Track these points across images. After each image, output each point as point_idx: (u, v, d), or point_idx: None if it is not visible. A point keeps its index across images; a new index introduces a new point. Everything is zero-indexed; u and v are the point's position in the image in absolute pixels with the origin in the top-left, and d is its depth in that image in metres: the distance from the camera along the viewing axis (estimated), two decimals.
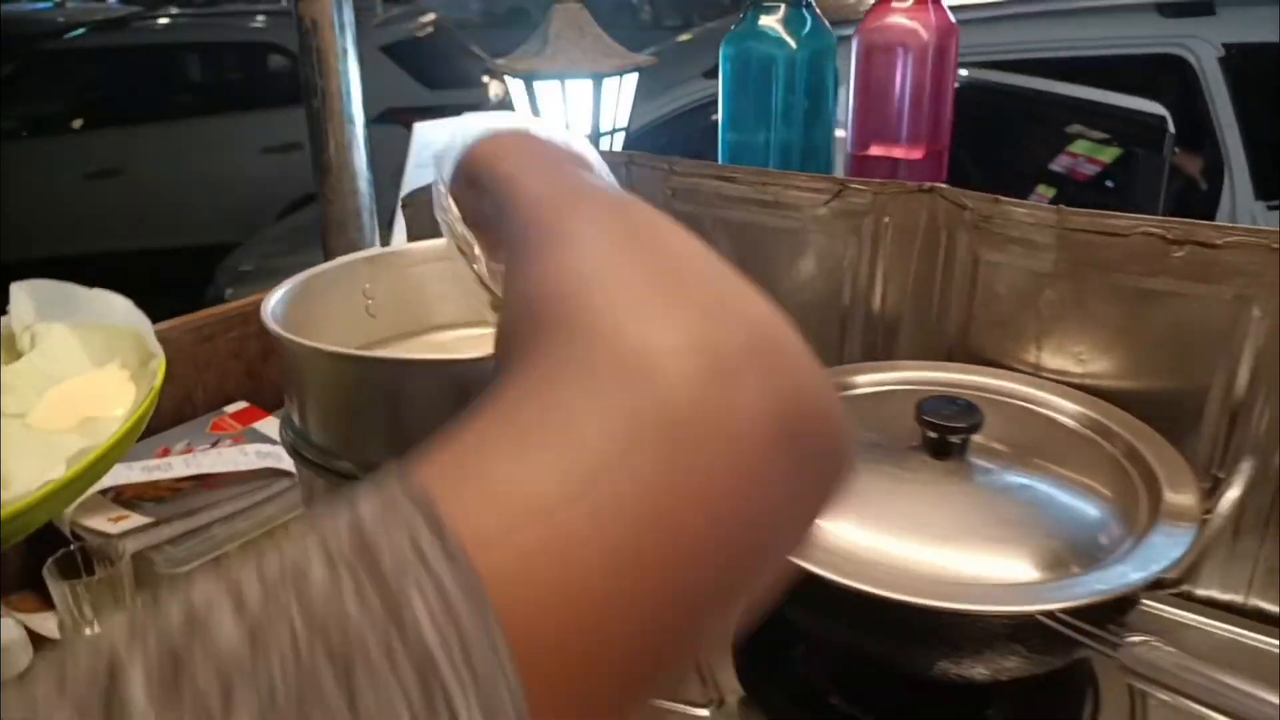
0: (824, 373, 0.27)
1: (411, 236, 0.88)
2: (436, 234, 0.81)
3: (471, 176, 0.37)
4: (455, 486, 0.20)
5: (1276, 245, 0.60)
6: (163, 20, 5.79)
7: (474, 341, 0.79)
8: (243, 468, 0.88)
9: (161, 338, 1.12)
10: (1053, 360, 0.71)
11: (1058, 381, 0.69)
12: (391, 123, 4.38)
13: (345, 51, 1.01)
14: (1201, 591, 0.70)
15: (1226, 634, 0.68)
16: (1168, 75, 2.46)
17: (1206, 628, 0.69)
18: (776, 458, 0.24)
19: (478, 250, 0.41)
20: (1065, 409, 0.66)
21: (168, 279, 3.21)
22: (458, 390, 0.58)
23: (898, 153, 0.96)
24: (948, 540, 0.56)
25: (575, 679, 0.19)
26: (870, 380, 0.70)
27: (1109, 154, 2.21)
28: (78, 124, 4.79)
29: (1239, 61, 2.38)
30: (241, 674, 0.16)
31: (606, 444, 0.21)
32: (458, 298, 0.80)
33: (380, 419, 0.58)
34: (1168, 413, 0.66)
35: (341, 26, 1.00)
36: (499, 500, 0.20)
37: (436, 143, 0.39)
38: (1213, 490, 0.67)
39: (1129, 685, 0.60)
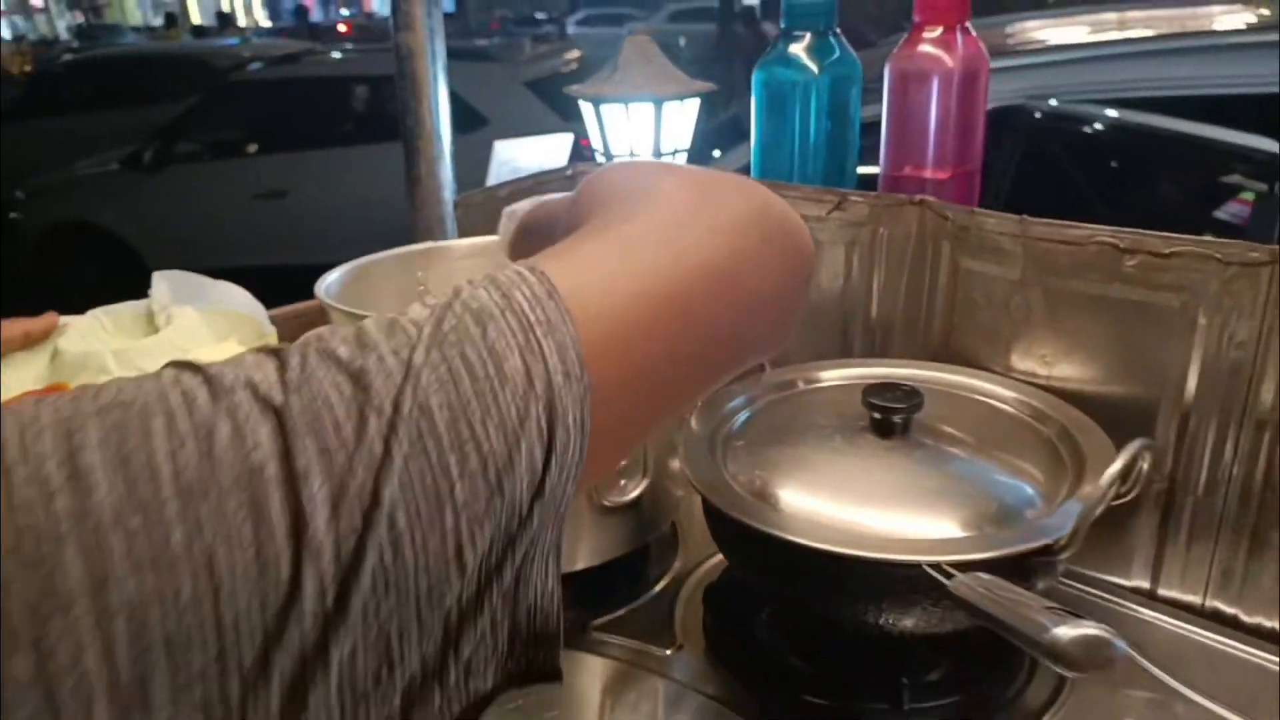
0: (785, 201, 0.41)
1: (462, 233, 0.99)
2: (485, 232, 0.92)
3: (522, 229, 0.54)
4: (544, 258, 0.35)
5: (1220, 255, 0.64)
6: (334, 55, 6.29)
7: None
8: None
9: (270, 321, 1.28)
10: (1022, 363, 0.75)
11: (1027, 383, 0.74)
12: None
13: (436, 77, 1.14)
14: (1164, 592, 0.73)
15: (1185, 633, 0.70)
16: None
17: (1169, 626, 0.71)
18: (751, 241, 0.38)
19: None
20: (1015, 402, 0.71)
21: None
22: None
23: (927, 174, 1.02)
24: (881, 505, 0.62)
25: (614, 349, 0.33)
26: (833, 375, 0.77)
27: None
28: (252, 149, 5.25)
29: None
30: (427, 324, 0.30)
31: (636, 235, 0.37)
32: None
33: None
34: (1125, 414, 0.70)
35: (434, 55, 1.14)
36: (571, 259, 0.35)
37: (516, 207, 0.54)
38: (1169, 490, 0.71)
39: None
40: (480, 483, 0.28)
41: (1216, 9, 2.84)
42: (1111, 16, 2.90)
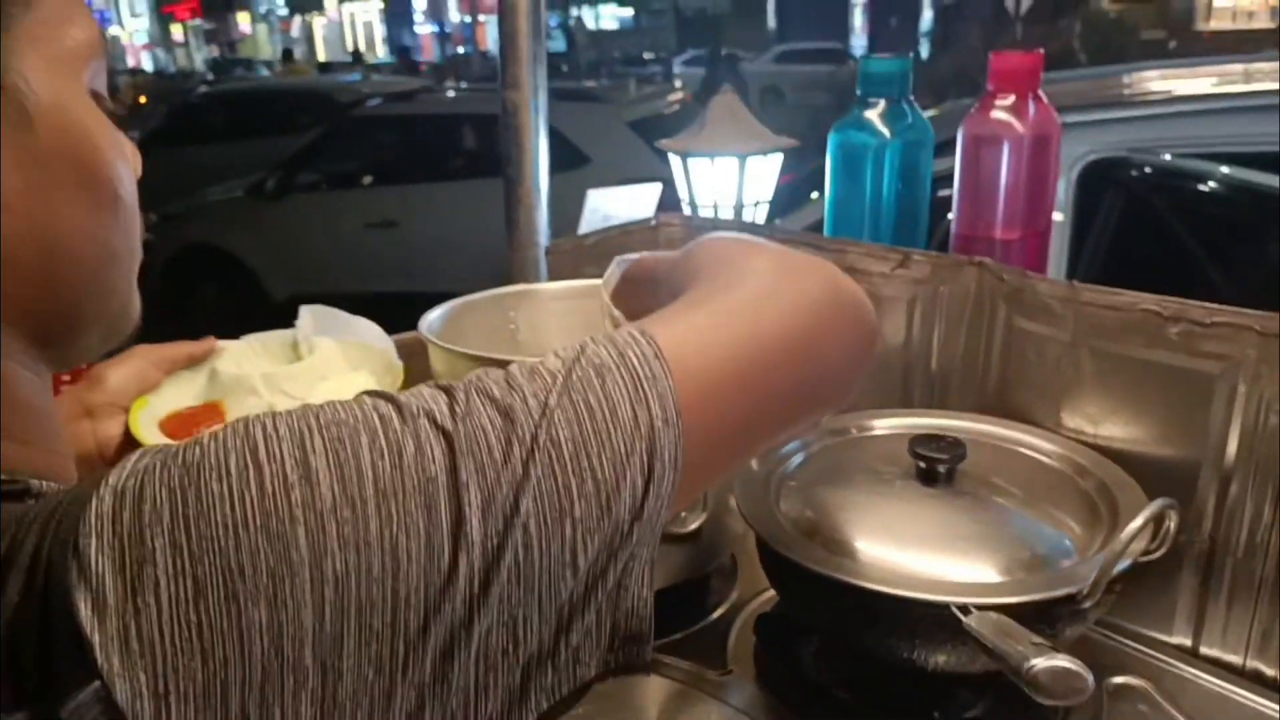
0: (854, 282, 0.48)
1: (552, 277, 1.07)
2: (575, 276, 1.00)
3: (626, 278, 0.62)
4: (654, 322, 0.42)
5: (1258, 327, 0.67)
6: (449, 94, 6.57)
7: None
8: None
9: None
10: (1071, 420, 0.78)
11: (1075, 440, 0.77)
12: None
13: (537, 131, 1.24)
14: (1206, 650, 0.75)
15: (1225, 692, 0.72)
16: None
17: (1209, 685, 0.73)
18: (824, 316, 0.46)
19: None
20: (1059, 456, 0.74)
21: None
22: None
23: (996, 233, 1.06)
24: (921, 547, 0.67)
25: (705, 403, 0.40)
26: (885, 424, 0.81)
27: None
28: (366, 180, 5.52)
29: None
30: (560, 373, 0.37)
31: (729, 308, 0.44)
32: (582, 329, 0.98)
33: None
34: (1167, 475, 0.72)
35: (536, 110, 1.23)
36: (675, 326, 0.42)
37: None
38: (1210, 551, 0.73)
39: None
40: (594, 503, 0.36)
41: None
42: (1237, 68, 2.82)
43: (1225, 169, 2.30)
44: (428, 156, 5.47)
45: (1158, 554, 0.63)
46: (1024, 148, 1.01)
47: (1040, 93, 1.02)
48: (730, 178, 1.25)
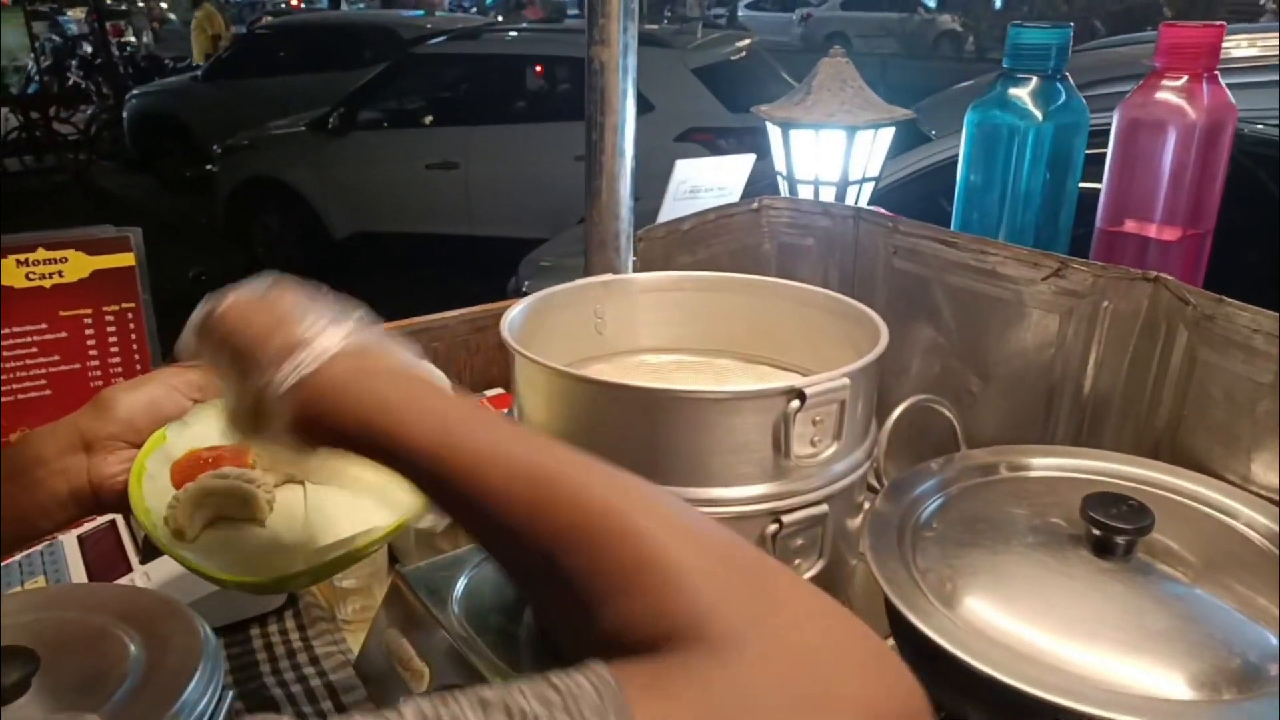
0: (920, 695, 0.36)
1: (642, 267, 0.96)
2: (666, 265, 0.89)
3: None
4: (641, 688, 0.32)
5: None
6: (511, 33, 6.40)
7: (680, 367, 0.87)
8: None
9: (441, 324, 1.29)
10: (1264, 475, 0.66)
11: (1266, 499, 0.65)
12: (689, 141, 4.55)
13: (625, 93, 1.12)
14: None
15: None
16: None
17: None
18: None
19: None
20: (1257, 523, 0.62)
21: (482, 264, 3.58)
22: (643, 412, 0.65)
23: (1150, 232, 0.92)
24: (1096, 641, 0.55)
25: None
26: (1043, 464, 0.69)
27: None
28: (428, 120, 5.41)
29: None
30: None
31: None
32: (673, 324, 0.88)
33: (574, 427, 0.66)
34: None
35: (625, 71, 1.11)
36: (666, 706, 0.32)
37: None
38: None
39: None
40: None
41: None
42: None
43: None
44: (490, 98, 5.34)
45: None
46: (1194, 136, 0.88)
47: (1218, 73, 0.88)
48: (836, 152, 1.12)
